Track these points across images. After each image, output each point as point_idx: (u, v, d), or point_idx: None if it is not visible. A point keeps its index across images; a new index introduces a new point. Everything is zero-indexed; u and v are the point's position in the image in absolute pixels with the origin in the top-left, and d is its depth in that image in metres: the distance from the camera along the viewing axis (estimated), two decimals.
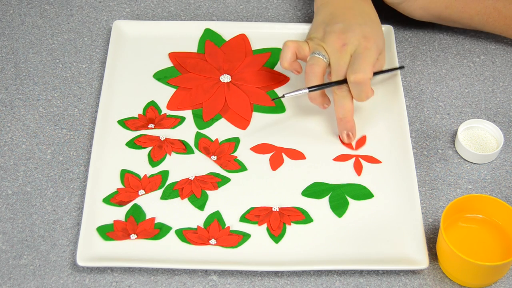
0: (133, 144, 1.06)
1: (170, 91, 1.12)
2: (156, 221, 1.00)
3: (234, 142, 1.07)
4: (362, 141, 1.08)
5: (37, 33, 1.19)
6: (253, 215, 1.00)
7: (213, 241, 0.98)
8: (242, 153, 1.06)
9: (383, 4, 1.17)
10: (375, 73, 1.08)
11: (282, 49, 1.07)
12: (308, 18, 1.22)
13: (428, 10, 1.14)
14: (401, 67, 1.13)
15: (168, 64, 1.15)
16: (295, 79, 1.13)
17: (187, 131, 1.08)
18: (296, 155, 1.06)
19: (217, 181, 1.03)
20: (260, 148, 1.07)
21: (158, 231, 0.99)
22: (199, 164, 1.05)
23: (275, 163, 1.05)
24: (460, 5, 1.13)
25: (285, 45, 1.07)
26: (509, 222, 0.96)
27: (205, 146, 1.07)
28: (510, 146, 1.08)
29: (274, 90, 1.13)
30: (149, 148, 1.06)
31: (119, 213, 1.00)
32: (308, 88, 1.04)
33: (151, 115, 1.09)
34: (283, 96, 1.05)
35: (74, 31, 1.20)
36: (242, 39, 1.18)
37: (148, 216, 1.00)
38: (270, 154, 1.06)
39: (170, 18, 1.22)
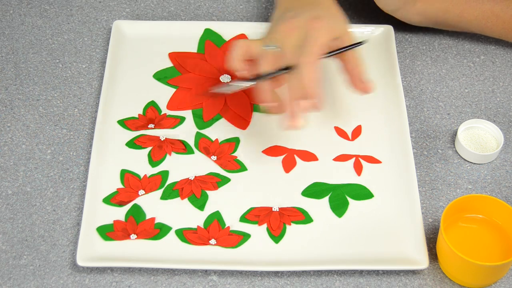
0: (133, 144, 1.06)
1: (170, 91, 1.12)
2: (156, 221, 1.00)
3: (234, 142, 1.07)
4: (357, 131, 1.08)
5: (37, 33, 1.19)
6: (253, 215, 1.00)
7: (213, 241, 0.98)
8: (242, 153, 1.06)
9: None
10: (337, 51, 1.02)
11: (232, 48, 1.02)
12: None
13: (425, 15, 1.14)
14: (360, 43, 1.03)
15: (168, 64, 1.15)
16: None
17: (187, 131, 1.08)
18: (304, 155, 1.06)
19: (217, 181, 1.03)
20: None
21: (158, 231, 0.99)
22: (199, 164, 1.05)
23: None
24: (458, 10, 1.13)
25: (235, 44, 1.01)
26: (509, 222, 0.96)
27: (205, 146, 1.06)
28: (510, 146, 1.08)
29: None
30: (149, 148, 1.06)
31: (119, 213, 1.00)
32: (251, 79, 0.99)
33: (151, 115, 1.09)
34: (229, 83, 1.01)
35: (74, 31, 1.20)
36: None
37: (148, 216, 1.00)
38: (270, 154, 1.06)
39: (170, 18, 1.22)
